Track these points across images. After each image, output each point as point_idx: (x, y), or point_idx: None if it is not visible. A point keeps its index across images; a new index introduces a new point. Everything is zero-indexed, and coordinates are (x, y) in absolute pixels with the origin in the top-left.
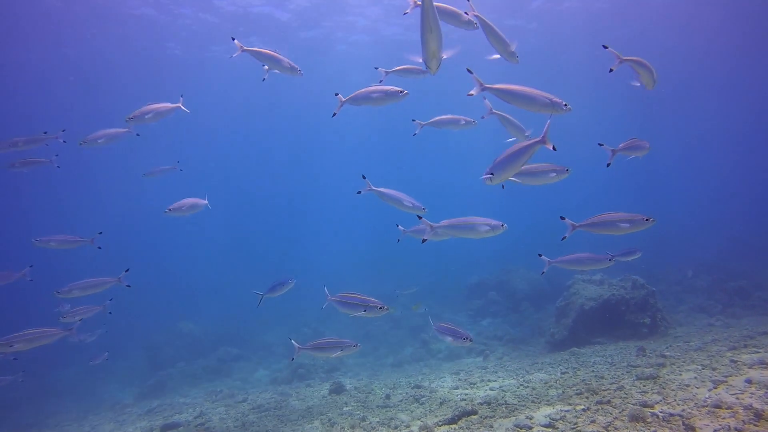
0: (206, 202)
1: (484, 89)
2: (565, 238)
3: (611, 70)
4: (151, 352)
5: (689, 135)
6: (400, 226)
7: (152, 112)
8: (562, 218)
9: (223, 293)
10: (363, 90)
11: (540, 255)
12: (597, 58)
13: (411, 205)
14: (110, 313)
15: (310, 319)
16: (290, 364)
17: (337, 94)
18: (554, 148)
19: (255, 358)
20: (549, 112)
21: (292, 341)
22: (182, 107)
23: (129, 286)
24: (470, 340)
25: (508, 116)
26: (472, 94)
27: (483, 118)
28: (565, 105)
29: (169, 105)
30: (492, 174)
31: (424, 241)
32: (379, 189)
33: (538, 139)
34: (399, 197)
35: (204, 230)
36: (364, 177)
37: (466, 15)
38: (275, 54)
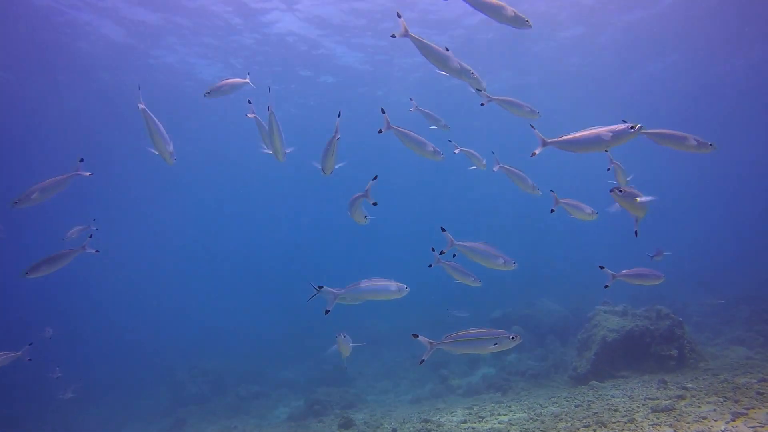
0: (85, 249)
1: (546, 145)
2: (636, 233)
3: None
4: (174, 389)
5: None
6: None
7: (36, 191)
8: (636, 233)
9: (249, 330)
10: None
11: (602, 267)
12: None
13: (503, 261)
14: (30, 359)
15: (332, 356)
16: (306, 400)
17: (383, 112)
18: (375, 203)
19: (275, 395)
20: (617, 145)
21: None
22: (81, 173)
23: None
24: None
25: (514, 169)
26: (535, 154)
27: (494, 170)
28: (632, 128)
29: (61, 177)
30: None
31: (436, 252)
32: (465, 244)
33: (362, 194)
34: (491, 253)
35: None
36: (443, 229)
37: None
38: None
